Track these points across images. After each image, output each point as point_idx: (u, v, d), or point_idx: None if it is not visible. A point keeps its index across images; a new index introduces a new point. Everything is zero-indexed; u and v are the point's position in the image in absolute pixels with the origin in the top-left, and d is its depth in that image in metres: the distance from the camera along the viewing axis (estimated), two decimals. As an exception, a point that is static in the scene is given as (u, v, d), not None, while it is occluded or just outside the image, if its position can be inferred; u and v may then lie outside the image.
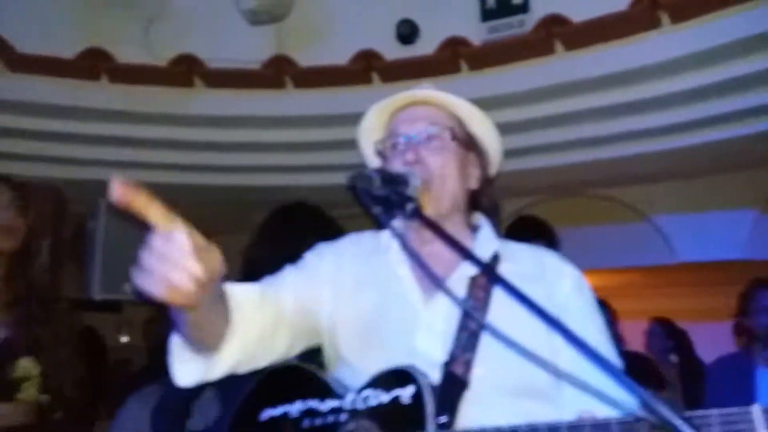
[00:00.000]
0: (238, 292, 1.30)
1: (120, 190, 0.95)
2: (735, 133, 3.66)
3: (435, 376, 1.23)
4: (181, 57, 3.76)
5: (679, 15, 3.20)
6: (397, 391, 1.20)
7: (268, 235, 2.12)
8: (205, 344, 1.23)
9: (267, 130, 4.06)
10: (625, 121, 3.73)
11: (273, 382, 1.37)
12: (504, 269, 1.37)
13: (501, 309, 1.29)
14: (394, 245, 1.42)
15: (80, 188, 3.97)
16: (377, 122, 1.51)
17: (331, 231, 2.03)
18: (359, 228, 1.53)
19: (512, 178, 3.90)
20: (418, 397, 1.18)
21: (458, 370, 1.24)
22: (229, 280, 1.22)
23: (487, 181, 1.51)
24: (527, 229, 2.74)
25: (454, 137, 1.43)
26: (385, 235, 1.45)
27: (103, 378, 4.10)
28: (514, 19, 3.56)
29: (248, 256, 2.07)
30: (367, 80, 3.78)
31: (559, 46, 3.47)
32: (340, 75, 3.78)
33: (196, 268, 0.98)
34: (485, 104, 1.48)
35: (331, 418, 1.26)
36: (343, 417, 1.25)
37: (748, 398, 2.94)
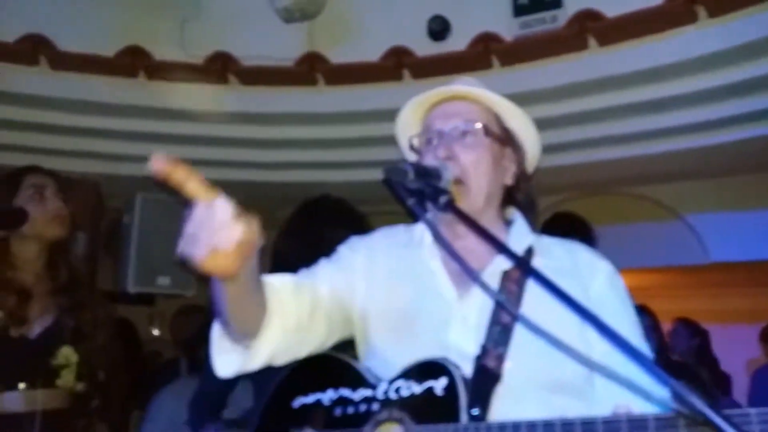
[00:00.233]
0: (274, 280, 1.32)
1: (160, 164, 0.98)
2: (771, 131, 3.58)
3: (467, 369, 1.23)
4: (216, 55, 3.81)
5: (716, 9, 3.13)
6: (430, 383, 1.21)
7: (294, 227, 2.20)
8: (244, 328, 1.25)
9: (299, 127, 4.09)
10: (659, 118, 3.67)
11: (306, 370, 1.38)
12: (538, 263, 1.36)
13: (534, 303, 1.29)
14: (427, 239, 1.42)
15: (116, 183, 4.07)
16: (413, 117, 1.51)
17: (355, 222, 2.08)
18: (387, 225, 1.54)
19: (543, 175, 3.85)
20: (451, 389, 1.18)
21: (490, 363, 1.24)
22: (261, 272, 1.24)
23: (524, 176, 1.50)
24: (564, 225, 2.71)
25: (488, 133, 1.42)
26: (418, 229, 1.45)
27: (138, 369, 4.16)
28: (546, 14, 3.51)
29: (275, 248, 2.14)
30: (399, 77, 3.77)
31: (592, 42, 3.43)
32: (371, 72, 3.78)
33: (237, 230, 1.01)
34: (517, 100, 1.47)
35: (363, 407, 1.27)
36: (375, 406, 1.26)
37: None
